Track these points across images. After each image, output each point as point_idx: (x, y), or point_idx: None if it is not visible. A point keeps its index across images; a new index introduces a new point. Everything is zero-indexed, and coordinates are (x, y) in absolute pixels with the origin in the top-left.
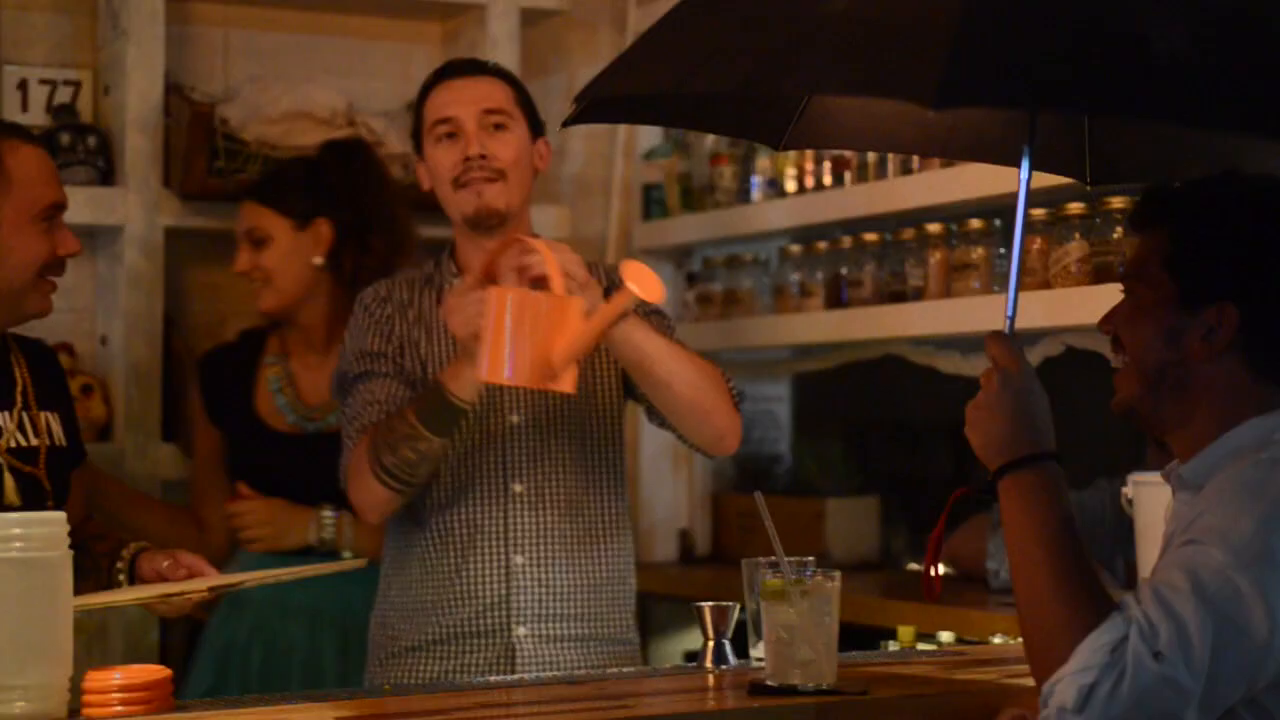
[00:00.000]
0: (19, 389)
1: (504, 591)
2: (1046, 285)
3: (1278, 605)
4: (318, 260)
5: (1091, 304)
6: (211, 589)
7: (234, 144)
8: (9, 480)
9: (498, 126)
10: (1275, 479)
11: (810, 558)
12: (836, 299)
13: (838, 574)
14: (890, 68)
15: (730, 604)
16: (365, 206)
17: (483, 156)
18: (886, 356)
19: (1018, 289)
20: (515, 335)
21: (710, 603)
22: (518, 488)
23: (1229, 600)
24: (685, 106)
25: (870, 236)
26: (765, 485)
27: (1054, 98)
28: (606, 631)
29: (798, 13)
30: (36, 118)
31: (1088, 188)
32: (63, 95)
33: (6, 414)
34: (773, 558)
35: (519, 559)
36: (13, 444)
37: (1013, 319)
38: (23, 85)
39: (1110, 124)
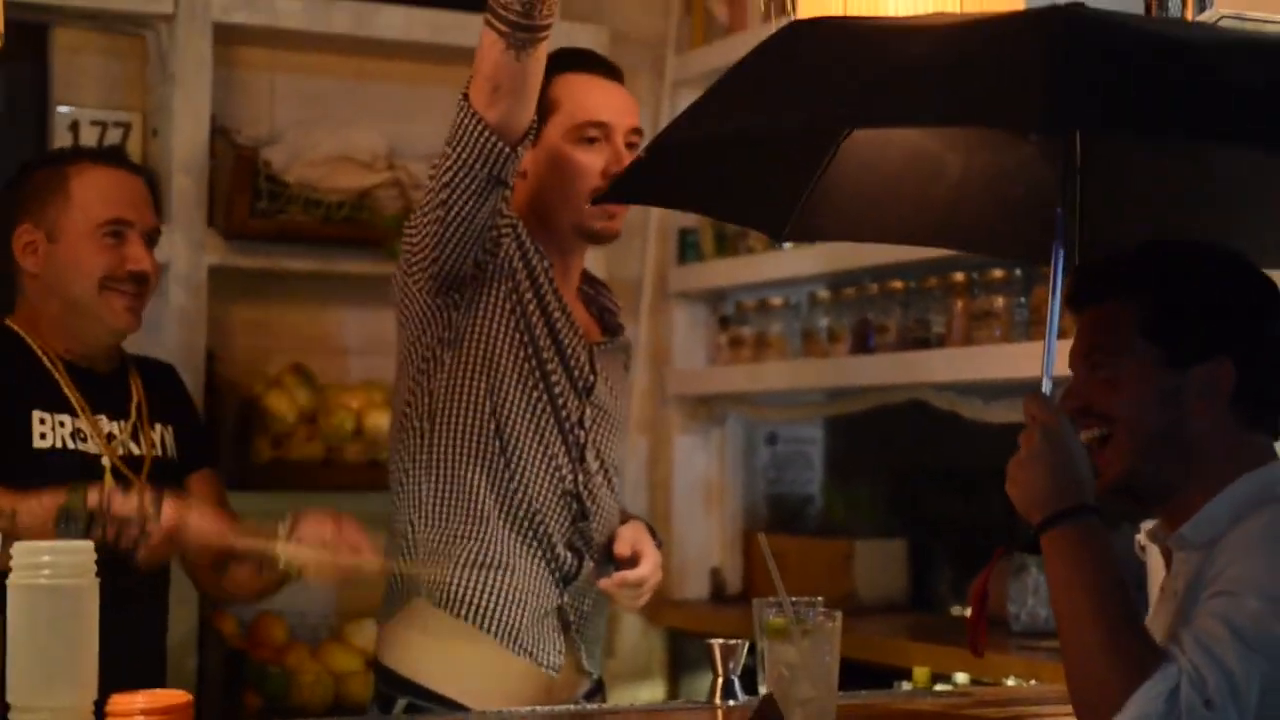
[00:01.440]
0: (133, 403)
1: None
2: (1064, 335)
3: None
4: None
5: None
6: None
7: (276, 186)
8: (109, 484)
9: (629, 146)
10: None
11: (819, 598)
12: (863, 344)
13: (839, 614)
14: (986, 97)
15: (739, 641)
16: None
17: None
18: (912, 401)
19: (1053, 351)
20: None
21: (720, 640)
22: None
23: (1270, 645)
24: (691, 191)
25: (896, 284)
26: (797, 526)
27: (1156, 126)
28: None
29: (879, 56)
30: None
31: None
32: (113, 136)
33: (121, 423)
34: (785, 598)
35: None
36: (122, 451)
37: (1050, 379)
38: (74, 126)
39: (1095, 215)
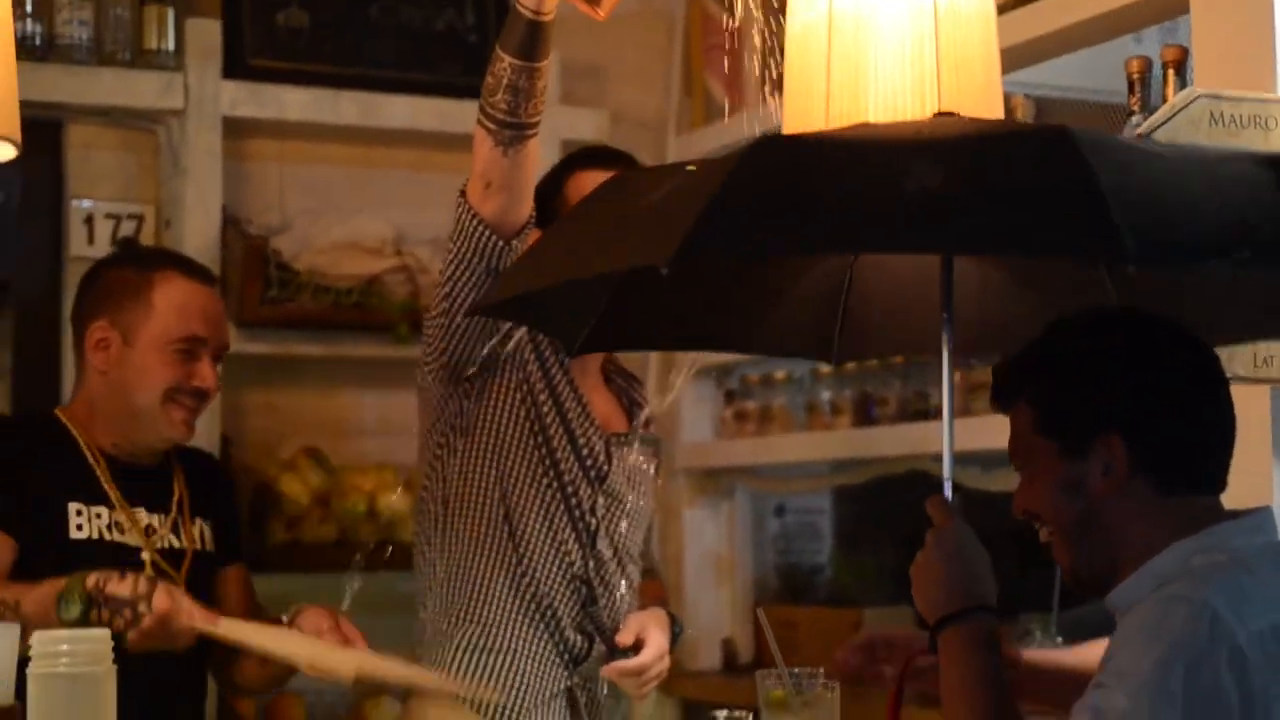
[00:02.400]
0: (175, 498)
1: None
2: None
3: None
4: None
5: None
6: (358, 678)
7: (286, 274)
8: (147, 573)
9: None
10: (1172, 617)
11: (820, 669)
12: (865, 417)
13: (837, 685)
14: (644, 241)
15: (743, 713)
16: None
17: None
18: (913, 471)
19: (952, 453)
20: None
21: (725, 712)
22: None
23: None
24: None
25: (895, 358)
26: (807, 595)
27: (799, 245)
28: None
29: (621, 209)
30: (101, 249)
31: None
32: (126, 228)
33: (161, 516)
34: (783, 670)
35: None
36: (161, 545)
37: (950, 480)
38: (89, 219)
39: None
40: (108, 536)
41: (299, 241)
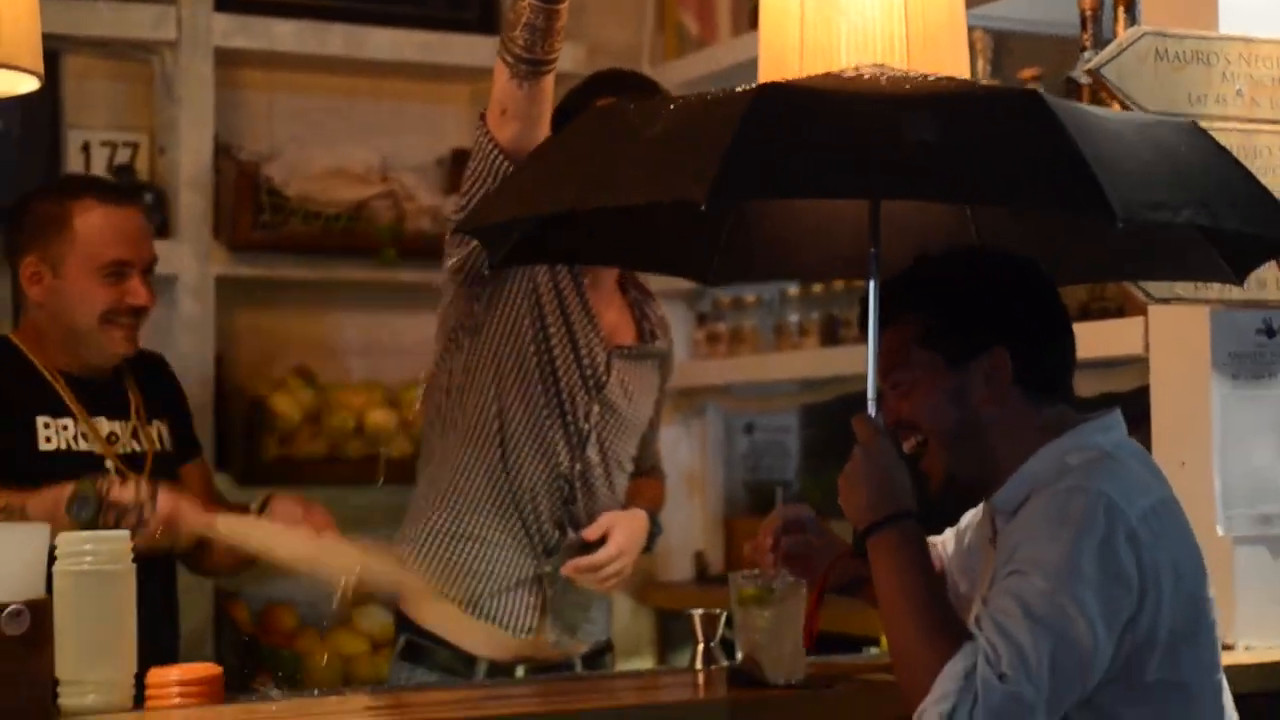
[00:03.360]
0: (132, 405)
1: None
2: None
3: (1095, 617)
4: None
5: None
6: (352, 589)
7: (277, 199)
8: (111, 476)
9: None
10: (1073, 506)
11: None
12: (831, 338)
13: (804, 583)
14: (672, 176)
15: (718, 612)
16: None
17: None
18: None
19: (876, 373)
20: None
21: (700, 611)
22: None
23: (1056, 619)
24: (617, 248)
25: (859, 281)
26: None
27: (822, 188)
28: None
29: (620, 141)
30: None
31: None
32: (122, 156)
33: (122, 423)
34: (751, 571)
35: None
36: (125, 450)
37: (875, 400)
38: (86, 148)
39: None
40: (75, 446)
41: (289, 168)
